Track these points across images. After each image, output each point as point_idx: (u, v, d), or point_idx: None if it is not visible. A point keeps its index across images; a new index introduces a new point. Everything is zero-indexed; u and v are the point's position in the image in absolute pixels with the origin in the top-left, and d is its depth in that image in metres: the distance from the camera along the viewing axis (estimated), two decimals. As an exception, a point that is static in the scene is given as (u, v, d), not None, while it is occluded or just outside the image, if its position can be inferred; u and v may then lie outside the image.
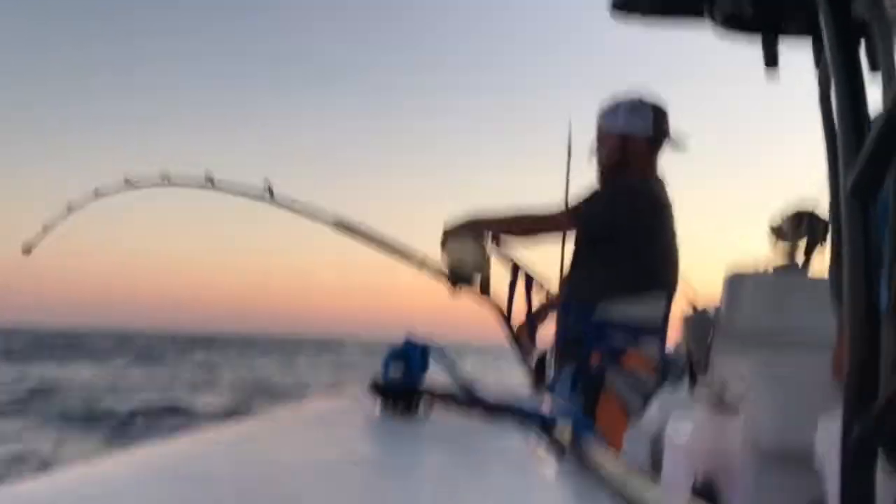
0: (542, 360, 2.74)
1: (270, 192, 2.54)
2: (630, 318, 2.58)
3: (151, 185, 2.53)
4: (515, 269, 2.76)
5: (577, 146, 4.29)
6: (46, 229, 2.67)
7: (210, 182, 2.55)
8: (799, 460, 2.20)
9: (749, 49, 1.69)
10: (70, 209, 2.61)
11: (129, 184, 2.57)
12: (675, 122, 2.78)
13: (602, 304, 2.59)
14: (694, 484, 2.95)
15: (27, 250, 2.70)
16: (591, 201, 2.72)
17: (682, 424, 3.62)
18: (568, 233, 2.73)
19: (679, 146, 2.77)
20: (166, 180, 2.57)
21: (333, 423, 0.97)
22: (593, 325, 2.57)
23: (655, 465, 4.13)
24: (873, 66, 1.20)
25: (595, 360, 2.54)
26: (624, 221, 2.62)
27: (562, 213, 2.68)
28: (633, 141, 2.69)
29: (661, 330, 2.61)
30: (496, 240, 2.71)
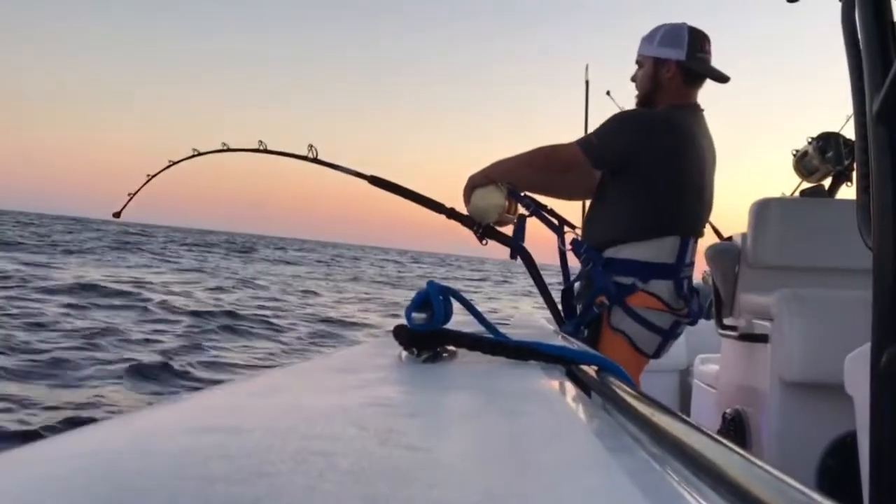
0: (567, 303, 2.74)
1: (315, 154, 2.84)
2: (638, 259, 2.56)
3: (216, 151, 3.00)
4: (540, 213, 2.76)
5: (596, 90, 4.23)
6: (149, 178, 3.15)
7: (264, 147, 2.96)
8: (828, 391, 2.20)
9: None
10: (171, 162, 3.08)
11: (195, 151, 3.07)
12: (716, 55, 2.70)
13: (612, 246, 2.59)
14: (723, 418, 2.97)
15: (117, 214, 3.21)
16: (598, 128, 2.68)
17: (709, 361, 3.63)
18: (585, 167, 2.68)
19: (720, 78, 2.69)
20: (226, 145, 3.00)
21: (359, 369, 0.97)
22: (601, 266, 2.57)
23: (684, 401, 4.16)
24: None
25: (601, 299, 2.55)
26: (629, 149, 2.57)
27: (572, 143, 2.62)
28: (666, 66, 2.64)
29: (674, 269, 2.57)
30: (518, 185, 2.72)
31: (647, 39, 2.69)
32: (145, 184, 3.10)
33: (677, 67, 2.63)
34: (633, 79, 2.77)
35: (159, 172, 3.09)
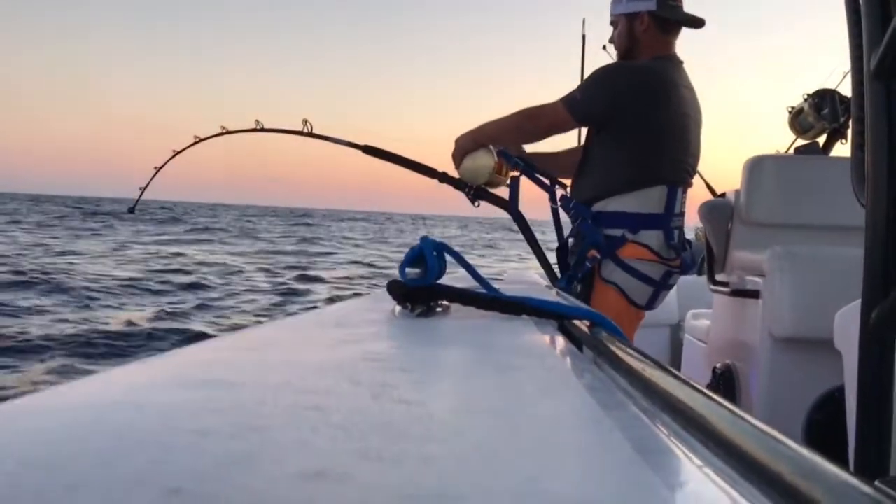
0: (561, 259, 2.76)
1: (310, 128, 2.93)
2: (627, 210, 2.57)
3: (217, 135, 3.09)
4: (530, 172, 2.78)
5: (593, 47, 4.20)
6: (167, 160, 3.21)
7: (261, 126, 3.04)
8: (817, 346, 2.22)
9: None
10: (175, 152, 3.18)
11: (196, 138, 3.16)
12: (688, 2, 2.70)
13: (601, 200, 2.61)
14: (713, 373, 3.00)
15: (131, 209, 3.43)
16: (581, 84, 2.69)
17: (701, 316, 3.65)
18: (570, 124, 2.69)
19: (694, 23, 2.69)
20: (225, 129, 3.09)
21: (352, 324, 0.97)
22: (591, 220, 2.59)
23: (675, 355, 4.20)
24: None
25: (592, 253, 2.57)
26: (611, 101, 2.58)
27: (556, 102, 2.63)
28: (639, 19, 2.65)
29: (663, 219, 2.58)
30: (506, 146, 2.78)
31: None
32: (153, 177, 3.22)
33: (650, 18, 2.65)
34: (612, 40, 2.80)
35: (165, 164, 3.18)
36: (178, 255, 20.75)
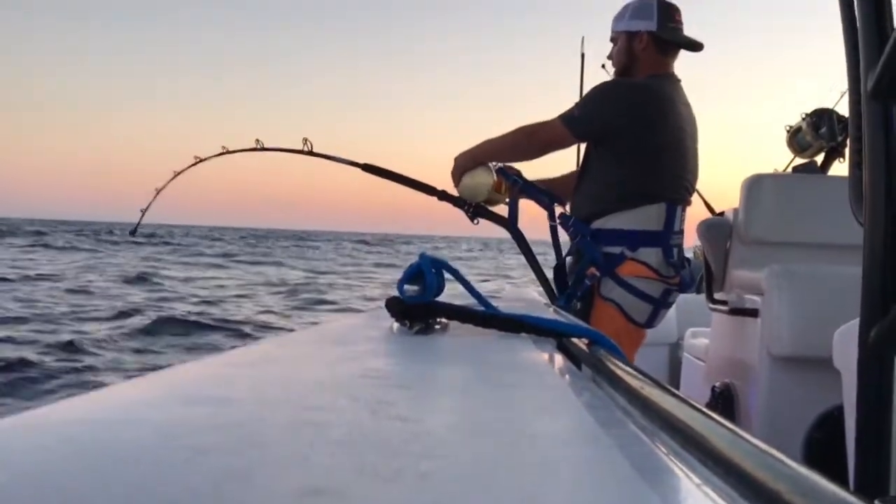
0: (559, 278, 2.76)
1: (310, 147, 2.95)
2: (625, 228, 2.58)
3: (217, 154, 3.10)
4: (529, 190, 2.79)
5: (592, 66, 4.23)
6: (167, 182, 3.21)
7: (262, 146, 3.05)
8: (816, 365, 2.21)
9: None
10: (175, 173, 3.19)
11: (197, 158, 3.17)
12: (689, 25, 2.73)
13: (600, 217, 2.62)
14: (712, 392, 2.99)
15: (132, 232, 3.44)
16: (579, 101, 2.71)
17: (699, 335, 3.65)
18: (568, 140, 2.71)
19: (693, 46, 2.72)
20: (225, 149, 3.10)
21: (351, 341, 0.97)
22: (590, 238, 2.60)
23: (674, 374, 4.19)
24: None
25: (591, 271, 2.57)
26: (608, 118, 2.60)
27: (554, 119, 2.64)
28: (638, 38, 2.68)
29: (662, 236, 2.59)
30: (504, 164, 2.79)
31: (619, 16, 2.75)
32: (154, 198, 3.21)
33: (650, 38, 2.67)
34: (610, 56, 2.82)
35: (166, 185, 3.18)
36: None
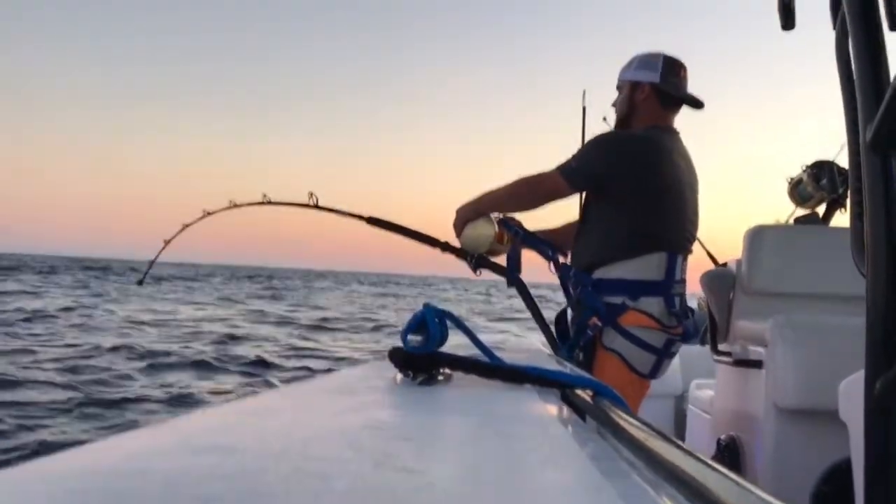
0: (561, 327, 2.75)
1: (316, 201, 2.97)
2: (626, 277, 2.58)
3: (225, 208, 3.15)
4: (530, 241, 2.80)
5: (592, 117, 4.28)
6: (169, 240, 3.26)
7: (268, 200, 3.09)
8: (823, 417, 2.19)
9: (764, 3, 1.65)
10: (184, 226, 3.23)
11: (205, 212, 3.22)
12: (693, 82, 2.77)
13: (600, 267, 2.62)
14: (718, 444, 2.96)
15: (140, 282, 3.66)
16: (577, 152, 2.73)
17: (704, 386, 3.62)
18: (567, 191, 2.72)
19: (694, 103, 2.75)
20: (234, 203, 3.15)
21: (355, 392, 0.97)
22: (591, 288, 2.60)
23: (679, 426, 4.15)
24: (892, 26, 1.18)
25: (593, 321, 2.57)
26: (606, 169, 2.62)
27: (553, 170, 2.67)
28: (641, 88, 2.73)
29: (663, 286, 2.59)
30: (505, 214, 2.82)
31: (626, 66, 2.80)
32: (163, 249, 3.26)
33: (651, 89, 2.72)
34: (614, 104, 2.86)
35: (174, 237, 3.22)
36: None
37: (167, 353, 11.44)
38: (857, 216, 1.16)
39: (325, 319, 20.62)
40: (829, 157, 3.49)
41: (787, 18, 1.62)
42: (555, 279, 2.81)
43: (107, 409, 7.63)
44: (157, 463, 0.51)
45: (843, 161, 3.39)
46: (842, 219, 3.44)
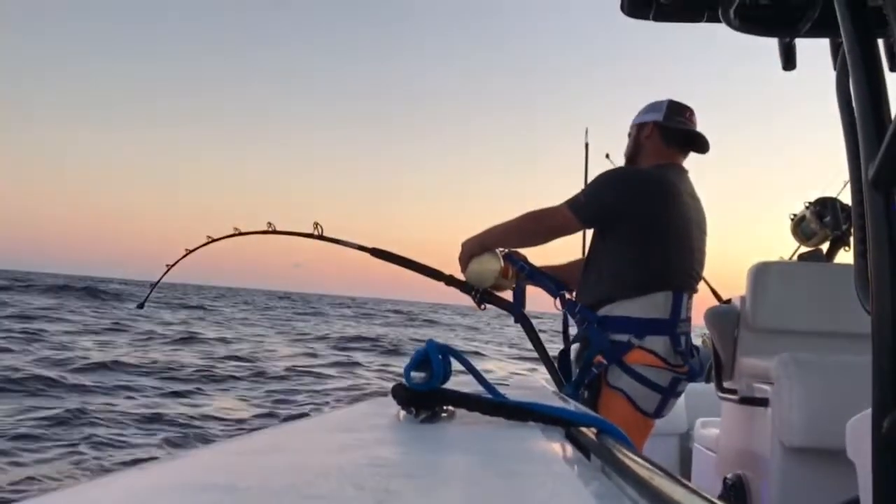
0: (565, 364, 2.74)
1: (321, 231, 2.99)
2: (632, 316, 2.58)
3: (229, 236, 3.16)
4: (536, 277, 2.81)
5: (596, 155, 4.31)
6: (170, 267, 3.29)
7: (274, 229, 3.10)
8: (830, 456, 2.17)
9: (767, 43, 1.67)
10: (187, 251, 3.25)
11: (209, 238, 3.24)
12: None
13: (606, 304, 2.62)
14: (724, 483, 2.93)
15: (140, 305, 3.71)
16: (585, 187, 2.76)
17: (710, 424, 3.59)
18: (575, 226, 2.73)
19: (699, 142, 2.77)
20: (238, 230, 3.15)
21: (357, 429, 0.97)
22: (596, 325, 2.60)
23: (684, 465, 4.10)
24: (892, 67, 1.19)
25: (598, 359, 2.56)
26: (615, 203, 2.64)
27: (561, 205, 2.67)
28: (646, 128, 2.78)
29: (669, 325, 2.58)
30: (511, 250, 2.83)
31: (637, 114, 2.86)
32: (165, 273, 3.27)
33: (654, 127, 2.76)
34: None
35: (177, 262, 3.23)
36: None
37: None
38: (860, 254, 1.16)
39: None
40: (832, 194, 3.50)
41: (788, 60, 1.64)
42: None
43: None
44: (158, 501, 0.51)
45: (846, 197, 3.40)
46: (845, 256, 3.44)
